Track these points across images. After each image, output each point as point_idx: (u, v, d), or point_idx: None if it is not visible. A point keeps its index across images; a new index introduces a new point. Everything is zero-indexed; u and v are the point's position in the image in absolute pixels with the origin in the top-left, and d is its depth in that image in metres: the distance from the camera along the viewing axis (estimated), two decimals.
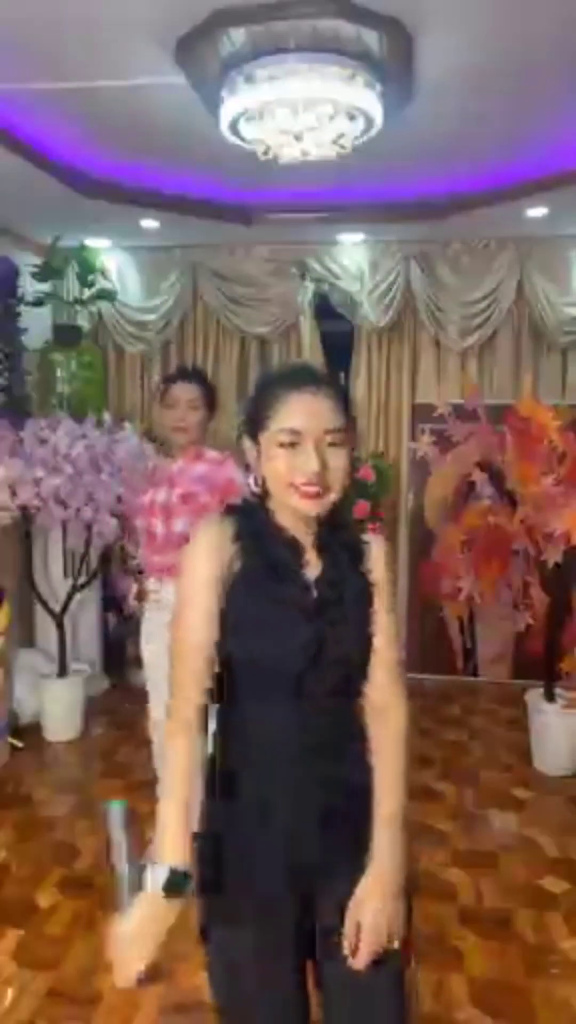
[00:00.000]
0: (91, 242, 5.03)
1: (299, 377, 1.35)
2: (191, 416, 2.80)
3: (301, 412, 1.31)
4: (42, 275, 4.69)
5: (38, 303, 4.62)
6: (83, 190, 4.13)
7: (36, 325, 4.73)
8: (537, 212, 4.49)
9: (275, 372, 1.45)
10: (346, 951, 1.31)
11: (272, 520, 1.38)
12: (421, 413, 4.97)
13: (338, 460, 1.32)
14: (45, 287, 4.72)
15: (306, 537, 1.39)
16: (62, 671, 4.25)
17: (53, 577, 4.52)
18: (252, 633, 1.33)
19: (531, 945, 2.57)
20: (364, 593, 1.41)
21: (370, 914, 1.30)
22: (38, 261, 4.80)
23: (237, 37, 2.65)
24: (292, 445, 1.30)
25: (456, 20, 2.61)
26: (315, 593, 1.35)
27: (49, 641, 4.42)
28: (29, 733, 4.21)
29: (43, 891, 2.84)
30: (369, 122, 2.94)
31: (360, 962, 1.30)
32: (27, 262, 4.72)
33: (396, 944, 1.32)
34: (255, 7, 2.49)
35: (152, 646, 2.90)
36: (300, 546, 1.38)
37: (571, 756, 3.82)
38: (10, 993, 2.32)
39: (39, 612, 4.50)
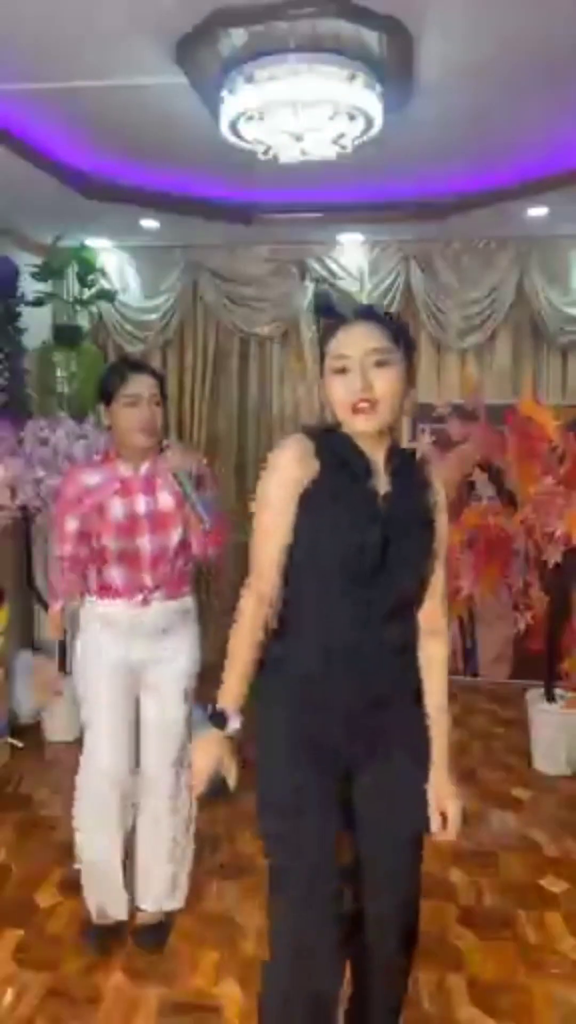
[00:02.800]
0: (91, 242, 5.03)
1: (347, 314, 1.55)
2: (156, 414, 2.35)
3: (347, 340, 1.49)
4: (42, 275, 4.68)
5: (38, 303, 4.61)
6: (83, 190, 4.13)
7: (36, 325, 4.73)
8: (537, 212, 4.48)
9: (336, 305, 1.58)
10: (434, 829, 1.72)
11: (349, 439, 1.54)
12: (421, 413, 4.96)
13: (384, 380, 1.47)
14: (45, 287, 4.72)
15: (376, 458, 1.55)
16: (62, 671, 4.24)
17: None
18: (327, 533, 1.50)
19: (531, 945, 2.57)
20: (428, 518, 1.62)
21: (452, 806, 1.72)
22: (38, 261, 4.79)
23: (237, 37, 2.64)
24: (343, 371, 1.48)
25: (456, 20, 2.60)
26: (383, 505, 1.54)
27: (49, 641, 4.41)
28: (29, 733, 4.21)
29: (43, 891, 2.85)
30: (369, 122, 2.94)
31: (450, 835, 1.73)
32: (27, 262, 4.71)
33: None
34: (255, 7, 2.48)
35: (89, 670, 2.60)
36: (371, 461, 1.54)
37: (571, 756, 3.82)
38: (10, 993, 2.32)
39: (39, 612, 4.49)
